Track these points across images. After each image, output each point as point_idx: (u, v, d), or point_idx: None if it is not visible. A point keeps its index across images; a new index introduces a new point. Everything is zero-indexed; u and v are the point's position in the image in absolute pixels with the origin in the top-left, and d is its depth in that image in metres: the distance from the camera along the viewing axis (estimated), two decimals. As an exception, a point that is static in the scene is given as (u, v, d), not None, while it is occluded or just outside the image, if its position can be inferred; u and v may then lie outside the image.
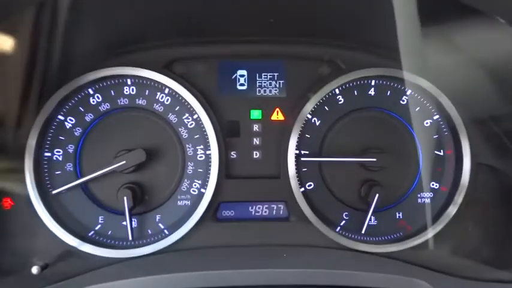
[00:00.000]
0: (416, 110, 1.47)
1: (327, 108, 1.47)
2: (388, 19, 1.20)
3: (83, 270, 1.29)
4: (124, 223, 1.36)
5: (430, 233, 1.42)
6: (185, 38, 1.44)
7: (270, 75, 1.49)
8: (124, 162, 1.35)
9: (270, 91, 1.49)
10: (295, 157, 1.44)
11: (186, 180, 1.44)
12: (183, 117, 1.44)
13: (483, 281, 1.25)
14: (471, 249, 1.45)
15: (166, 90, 1.42)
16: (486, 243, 1.45)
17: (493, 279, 1.24)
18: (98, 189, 1.42)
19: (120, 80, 1.41)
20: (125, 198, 1.33)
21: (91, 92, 1.40)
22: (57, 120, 1.39)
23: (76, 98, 1.40)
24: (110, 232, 1.41)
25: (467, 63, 1.31)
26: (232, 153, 1.48)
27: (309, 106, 1.44)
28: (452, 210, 1.43)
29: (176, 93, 1.42)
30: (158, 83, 1.41)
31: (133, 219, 1.39)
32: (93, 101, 1.40)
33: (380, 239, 1.46)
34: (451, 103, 1.43)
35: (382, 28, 1.26)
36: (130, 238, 1.35)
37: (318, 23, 1.38)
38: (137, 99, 1.42)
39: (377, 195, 1.40)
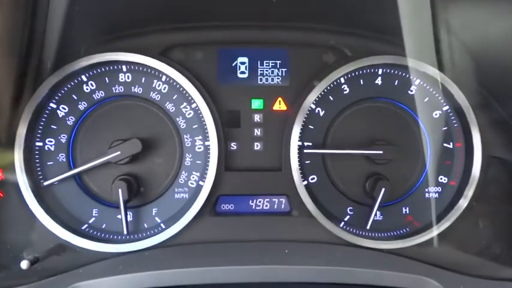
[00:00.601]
0: (425, 100, 1.42)
1: (331, 98, 1.41)
2: (396, 3, 1.15)
3: (75, 265, 1.24)
4: (119, 216, 1.31)
5: (438, 229, 1.37)
6: (183, 23, 1.38)
7: (272, 62, 1.43)
8: (119, 152, 1.30)
9: (272, 79, 1.43)
10: (298, 149, 1.39)
11: (183, 172, 1.39)
12: (181, 107, 1.38)
13: (493, 280, 1.20)
14: (481, 246, 1.40)
15: (164, 78, 1.37)
16: (496, 239, 1.40)
17: (505, 277, 1.19)
18: (91, 181, 1.37)
19: (115, 67, 1.36)
20: (120, 190, 1.28)
21: (84, 79, 1.35)
22: (49, 108, 1.34)
23: (69, 85, 1.34)
24: (104, 226, 1.36)
25: (474, 45, 1.26)
26: (232, 144, 1.43)
27: (313, 95, 1.39)
28: (462, 204, 1.38)
29: (174, 81, 1.36)
30: (155, 70, 1.35)
31: (128, 213, 1.35)
32: (87, 89, 1.35)
33: (386, 235, 1.42)
34: (462, 93, 1.38)
35: (389, 13, 1.20)
36: (125, 232, 1.31)
37: (323, 7, 1.32)
38: (133, 87, 1.37)
39: (383, 189, 1.35)
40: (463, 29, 1.26)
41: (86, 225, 1.35)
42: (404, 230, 1.42)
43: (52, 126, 1.34)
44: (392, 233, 1.42)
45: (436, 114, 1.43)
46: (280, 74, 1.43)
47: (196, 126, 1.39)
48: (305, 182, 1.40)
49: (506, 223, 1.40)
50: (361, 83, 1.41)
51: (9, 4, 1.08)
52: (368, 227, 1.38)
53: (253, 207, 1.42)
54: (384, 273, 1.17)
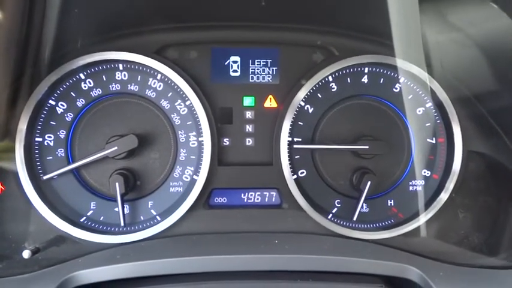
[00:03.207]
0: (409, 97, 1.48)
1: (320, 96, 1.47)
2: (382, 5, 1.19)
3: (74, 255, 1.28)
4: (116, 209, 1.36)
5: (421, 220, 1.43)
6: (177, 23, 1.43)
7: (263, 61, 1.48)
8: (116, 148, 1.34)
9: (263, 78, 1.48)
10: (288, 144, 1.44)
11: (178, 166, 1.44)
12: (176, 104, 1.43)
13: (473, 267, 1.25)
14: (461, 235, 1.46)
15: (159, 76, 1.41)
16: (476, 229, 1.46)
17: (483, 265, 1.25)
18: (89, 175, 1.42)
19: (112, 65, 1.40)
20: (117, 184, 1.33)
21: (82, 77, 1.39)
22: (48, 105, 1.38)
23: (67, 83, 1.39)
24: (102, 218, 1.41)
25: (457, 41, 1.30)
26: (224, 140, 1.48)
27: (302, 93, 1.44)
28: (443, 197, 1.44)
29: (168, 79, 1.41)
30: (150, 68, 1.40)
31: (125, 206, 1.39)
32: (85, 86, 1.39)
33: (371, 226, 1.47)
34: (444, 91, 1.43)
35: (376, 14, 1.25)
36: (122, 224, 1.35)
37: (312, 8, 1.37)
38: (129, 85, 1.41)
39: (369, 182, 1.40)
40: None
41: (85, 218, 1.40)
42: (389, 222, 1.48)
43: (51, 123, 1.38)
44: (377, 224, 1.47)
45: (419, 111, 1.48)
46: (271, 73, 1.48)
47: (190, 122, 1.43)
48: (295, 176, 1.45)
49: (483, 215, 1.46)
50: (348, 81, 1.47)
51: (8, 2, 1.11)
52: (354, 219, 1.43)
53: (245, 200, 1.47)
54: (369, 262, 1.21)
